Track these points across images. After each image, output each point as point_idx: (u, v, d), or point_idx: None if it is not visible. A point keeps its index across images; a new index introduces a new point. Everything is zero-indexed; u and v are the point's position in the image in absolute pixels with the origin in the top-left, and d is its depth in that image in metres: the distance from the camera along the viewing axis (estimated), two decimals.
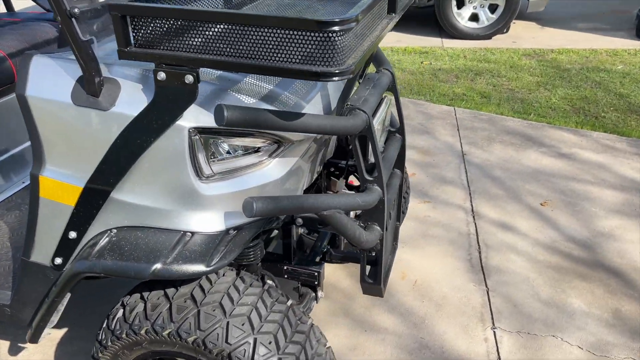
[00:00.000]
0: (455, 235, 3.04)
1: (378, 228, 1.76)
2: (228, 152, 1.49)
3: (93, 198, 1.48)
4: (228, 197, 1.49)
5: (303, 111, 1.54)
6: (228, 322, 1.42)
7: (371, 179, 1.70)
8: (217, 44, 1.21)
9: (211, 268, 1.39)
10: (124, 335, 1.48)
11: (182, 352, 1.47)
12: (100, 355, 1.58)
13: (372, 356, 2.26)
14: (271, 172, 1.57)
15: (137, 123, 1.35)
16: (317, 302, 1.99)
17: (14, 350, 2.27)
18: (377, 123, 1.75)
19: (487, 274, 2.73)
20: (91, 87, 1.36)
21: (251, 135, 1.50)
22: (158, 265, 1.38)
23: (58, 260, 1.60)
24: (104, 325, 1.56)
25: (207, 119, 1.38)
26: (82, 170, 1.47)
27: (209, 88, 1.45)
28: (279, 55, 1.18)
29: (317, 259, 2.02)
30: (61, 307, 1.65)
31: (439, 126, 4.41)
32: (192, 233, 1.46)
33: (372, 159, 1.73)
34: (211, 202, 1.46)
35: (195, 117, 1.37)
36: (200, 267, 1.38)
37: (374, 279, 1.87)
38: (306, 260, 1.99)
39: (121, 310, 1.53)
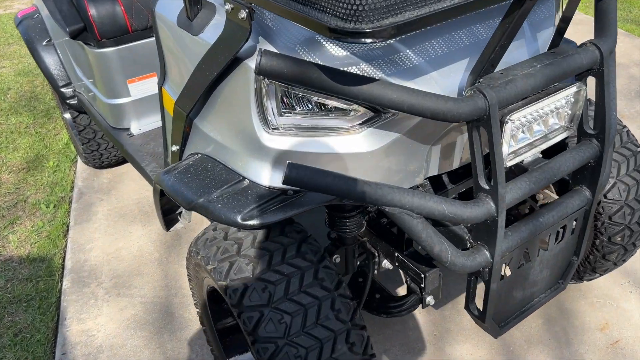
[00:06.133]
0: None
1: (486, 252, 1.33)
2: (308, 107, 1.31)
3: (179, 117, 1.53)
4: (297, 155, 1.33)
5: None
6: (250, 283, 1.33)
7: (487, 187, 1.26)
8: None
9: (243, 223, 1.29)
10: (192, 255, 1.54)
11: (218, 290, 1.47)
12: (188, 264, 1.69)
13: None
14: (359, 142, 1.32)
15: (210, 52, 1.30)
16: (423, 307, 1.67)
17: None
18: (523, 116, 1.27)
19: None
20: (189, 11, 1.36)
21: None
22: (200, 200, 1.36)
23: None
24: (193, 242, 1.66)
25: None
26: (176, 87, 1.53)
27: (301, 35, 1.26)
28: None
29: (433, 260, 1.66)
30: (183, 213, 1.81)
31: None
32: (247, 180, 1.38)
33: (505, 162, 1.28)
34: (275, 156, 1.33)
35: None
36: (234, 218, 1.30)
37: (478, 312, 1.46)
38: (419, 255, 1.66)
39: (203, 232, 1.58)
